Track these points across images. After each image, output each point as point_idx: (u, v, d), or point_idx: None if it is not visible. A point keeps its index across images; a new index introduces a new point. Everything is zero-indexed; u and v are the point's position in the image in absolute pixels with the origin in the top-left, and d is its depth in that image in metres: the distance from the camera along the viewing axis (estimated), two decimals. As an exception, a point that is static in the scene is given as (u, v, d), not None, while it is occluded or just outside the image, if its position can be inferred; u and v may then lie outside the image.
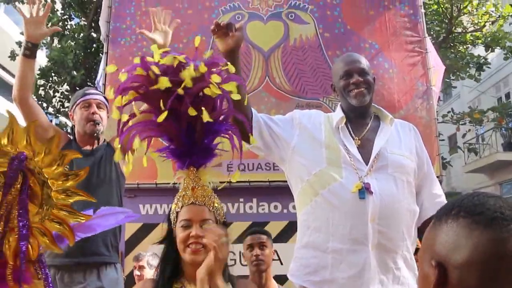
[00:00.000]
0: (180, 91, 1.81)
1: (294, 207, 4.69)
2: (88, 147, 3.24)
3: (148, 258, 4.39)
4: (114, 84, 1.89)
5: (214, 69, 1.92)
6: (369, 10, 5.33)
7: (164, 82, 1.80)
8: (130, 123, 1.96)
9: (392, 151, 2.28)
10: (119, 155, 1.97)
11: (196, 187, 2.00)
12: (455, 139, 17.27)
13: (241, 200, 4.79)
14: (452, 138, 17.78)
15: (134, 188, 4.68)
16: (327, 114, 2.46)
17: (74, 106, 3.31)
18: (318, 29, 5.21)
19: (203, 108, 1.85)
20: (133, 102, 1.93)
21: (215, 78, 1.85)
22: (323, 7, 5.29)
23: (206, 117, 1.84)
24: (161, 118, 1.80)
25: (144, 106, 2.11)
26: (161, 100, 1.80)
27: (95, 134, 3.19)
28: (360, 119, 2.37)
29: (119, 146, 1.98)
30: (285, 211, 4.80)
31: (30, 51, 2.94)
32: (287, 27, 5.22)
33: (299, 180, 2.32)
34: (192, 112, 1.82)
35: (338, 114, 2.36)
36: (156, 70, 1.82)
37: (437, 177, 4.77)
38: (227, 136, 2.03)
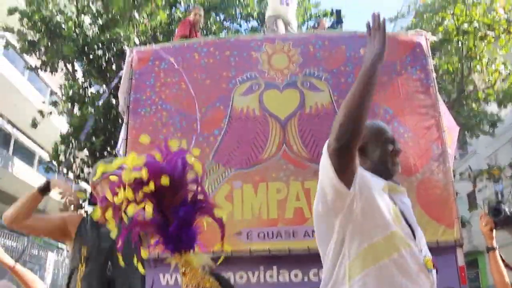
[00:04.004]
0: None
1: (314, 275, 4.75)
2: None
3: None
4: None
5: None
6: (381, 76, 5.38)
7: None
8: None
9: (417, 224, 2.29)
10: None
11: (186, 271, 2.06)
12: (473, 196, 17.11)
13: (262, 268, 4.72)
14: (471, 195, 17.62)
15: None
16: None
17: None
18: (333, 96, 5.29)
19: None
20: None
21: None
22: (337, 74, 5.39)
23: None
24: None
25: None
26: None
27: None
28: None
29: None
30: (305, 279, 4.76)
31: (45, 191, 3.08)
32: (303, 95, 5.32)
33: (363, 237, 2.10)
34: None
35: (379, 180, 2.26)
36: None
37: (457, 240, 4.78)
38: (209, 215, 2.09)
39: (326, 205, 2.14)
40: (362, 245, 2.09)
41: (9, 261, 3.41)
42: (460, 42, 12.22)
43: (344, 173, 2.05)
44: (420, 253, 2.14)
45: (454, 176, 5.49)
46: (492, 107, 13.67)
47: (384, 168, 2.33)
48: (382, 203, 2.14)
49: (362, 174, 2.15)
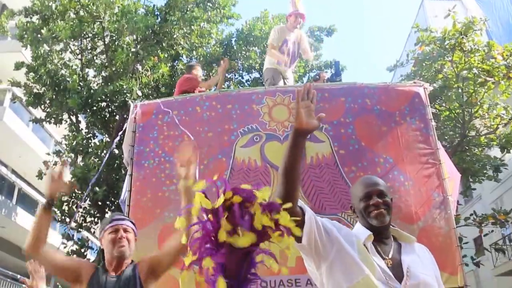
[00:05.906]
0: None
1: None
2: (114, 273, 3.34)
3: None
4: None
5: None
6: (381, 126, 5.44)
7: (227, 227, 1.92)
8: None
9: (419, 271, 2.38)
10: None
11: None
12: (480, 241, 16.93)
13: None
14: (478, 240, 17.43)
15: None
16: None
17: (103, 232, 3.47)
18: (334, 147, 5.31)
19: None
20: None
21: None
22: (337, 125, 5.42)
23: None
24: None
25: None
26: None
27: (122, 256, 3.33)
28: (383, 239, 2.49)
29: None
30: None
31: (49, 205, 3.32)
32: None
33: (335, 284, 2.38)
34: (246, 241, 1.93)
35: (363, 232, 2.48)
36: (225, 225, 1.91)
37: (462, 287, 4.73)
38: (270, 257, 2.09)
39: (303, 257, 2.51)
40: None
41: None
42: (460, 89, 12.33)
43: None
44: None
45: (458, 221, 5.45)
46: (495, 152, 13.67)
47: (366, 223, 2.53)
48: (353, 251, 2.36)
49: (327, 229, 2.41)
